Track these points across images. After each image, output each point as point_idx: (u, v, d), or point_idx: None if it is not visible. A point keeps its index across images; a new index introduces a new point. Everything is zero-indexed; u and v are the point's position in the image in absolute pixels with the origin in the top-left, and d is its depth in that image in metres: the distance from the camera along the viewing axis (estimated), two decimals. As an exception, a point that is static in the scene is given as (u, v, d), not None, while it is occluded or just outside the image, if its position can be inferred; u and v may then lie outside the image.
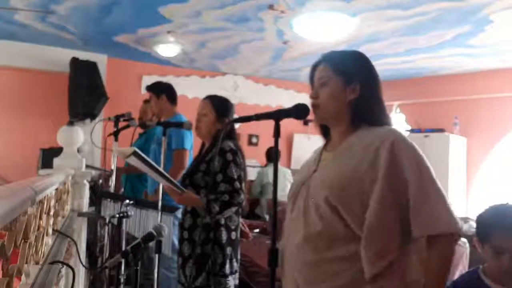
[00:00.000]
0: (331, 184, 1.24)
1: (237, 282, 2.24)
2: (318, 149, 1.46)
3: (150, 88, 3.43)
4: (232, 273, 2.19)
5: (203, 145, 2.41)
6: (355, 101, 1.31)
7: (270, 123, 1.32)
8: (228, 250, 2.17)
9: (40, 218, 1.32)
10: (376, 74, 1.36)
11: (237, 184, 2.14)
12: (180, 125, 2.45)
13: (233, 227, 2.21)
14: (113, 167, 2.99)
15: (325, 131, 1.43)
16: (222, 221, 2.17)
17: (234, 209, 2.14)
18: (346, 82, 1.31)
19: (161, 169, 2.00)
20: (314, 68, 1.39)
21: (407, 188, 1.18)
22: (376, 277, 1.16)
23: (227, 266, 2.15)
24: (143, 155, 1.82)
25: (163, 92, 3.34)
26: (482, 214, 1.57)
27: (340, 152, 1.31)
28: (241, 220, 2.48)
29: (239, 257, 2.27)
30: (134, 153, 1.75)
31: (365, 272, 1.17)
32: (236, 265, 2.22)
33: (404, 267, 1.20)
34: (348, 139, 1.31)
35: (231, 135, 2.31)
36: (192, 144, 3.17)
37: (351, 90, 1.31)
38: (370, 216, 1.18)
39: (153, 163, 1.90)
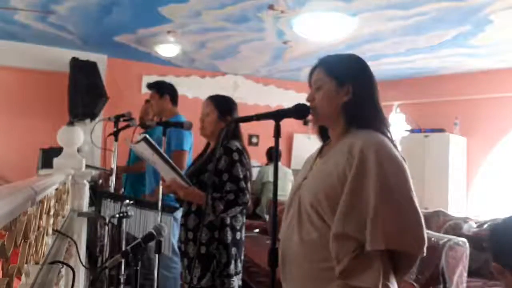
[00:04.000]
0: (316, 193, 1.26)
1: (240, 282, 2.23)
2: (316, 152, 1.47)
3: (152, 86, 3.36)
4: (236, 273, 2.18)
5: (207, 144, 2.41)
6: (347, 103, 1.33)
7: (270, 123, 1.32)
8: (233, 250, 2.16)
9: (40, 218, 1.32)
10: (370, 76, 1.37)
11: (242, 183, 2.13)
12: (180, 125, 2.44)
13: (238, 227, 2.20)
14: (113, 167, 2.99)
15: (324, 133, 1.44)
16: (228, 221, 2.15)
17: (239, 208, 2.12)
18: (338, 84, 1.34)
19: (169, 158, 1.99)
20: (312, 72, 1.42)
21: (368, 199, 1.16)
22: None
23: (232, 266, 2.14)
24: (153, 142, 1.82)
25: (167, 92, 3.32)
26: (498, 228, 1.27)
27: (325, 161, 1.34)
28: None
29: (243, 257, 2.26)
30: (145, 139, 1.77)
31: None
32: (240, 266, 2.22)
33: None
34: (336, 145, 1.33)
35: (237, 134, 2.30)
36: (191, 145, 3.17)
37: (344, 92, 1.33)
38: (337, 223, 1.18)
39: (162, 152, 1.90)
